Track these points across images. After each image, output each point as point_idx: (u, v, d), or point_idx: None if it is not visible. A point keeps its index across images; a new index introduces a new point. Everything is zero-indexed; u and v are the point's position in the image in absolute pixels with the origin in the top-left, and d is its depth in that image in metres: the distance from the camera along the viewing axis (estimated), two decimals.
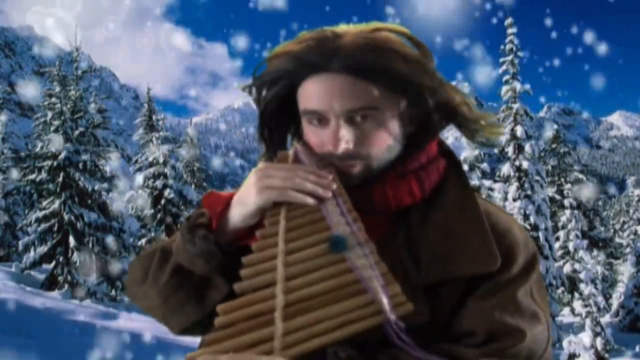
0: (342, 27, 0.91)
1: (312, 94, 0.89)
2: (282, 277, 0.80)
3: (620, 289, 24.00)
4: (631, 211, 29.42)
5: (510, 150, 16.53)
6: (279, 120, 0.99)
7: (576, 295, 16.56)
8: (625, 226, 29.59)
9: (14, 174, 18.73)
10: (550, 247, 16.03)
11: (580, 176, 24.88)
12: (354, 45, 0.86)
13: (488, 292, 0.87)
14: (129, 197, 19.31)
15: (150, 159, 19.53)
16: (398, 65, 0.87)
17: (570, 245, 17.87)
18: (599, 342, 15.38)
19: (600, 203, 33.95)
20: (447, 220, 0.90)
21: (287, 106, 0.97)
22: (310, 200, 0.85)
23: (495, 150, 17.41)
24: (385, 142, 0.90)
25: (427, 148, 0.96)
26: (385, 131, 0.90)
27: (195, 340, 1.05)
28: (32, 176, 16.12)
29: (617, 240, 30.56)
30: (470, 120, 0.94)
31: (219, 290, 0.92)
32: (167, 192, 19.03)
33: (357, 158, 0.89)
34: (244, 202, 0.89)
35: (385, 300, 0.80)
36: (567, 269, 17.25)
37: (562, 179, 23.72)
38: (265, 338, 0.75)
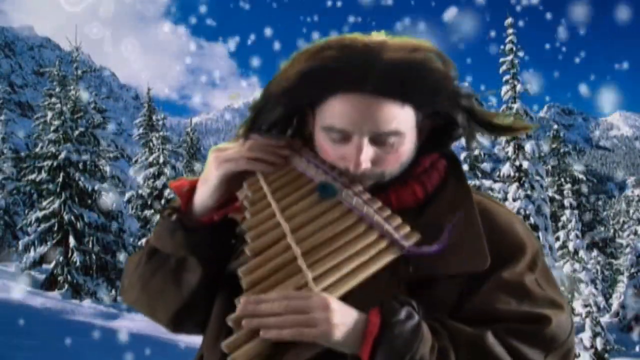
0: (376, 39, 0.86)
1: (340, 112, 0.86)
2: (289, 229, 0.82)
3: (620, 289, 24.00)
4: (631, 211, 29.38)
5: (510, 150, 16.51)
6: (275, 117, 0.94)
7: (576, 295, 16.54)
8: (625, 226, 29.53)
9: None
10: (550, 247, 16.02)
11: (581, 176, 24.88)
12: (394, 66, 0.83)
13: (500, 288, 0.87)
14: (129, 197, 19.31)
15: (150, 159, 19.52)
16: (436, 92, 0.86)
17: (570, 245, 17.86)
18: (598, 342, 15.38)
19: (600, 203, 33.92)
20: (440, 219, 0.90)
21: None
22: (264, 167, 0.90)
23: (496, 150, 17.40)
24: (399, 161, 0.91)
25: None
26: (404, 153, 0.91)
27: (196, 341, 1.06)
28: (32, 176, 16.12)
29: (617, 240, 30.50)
30: (497, 128, 0.94)
31: (194, 273, 0.96)
32: (167, 192, 19.02)
33: (371, 178, 0.90)
34: (207, 179, 0.94)
35: (394, 232, 0.82)
36: (567, 269, 17.23)
37: (562, 179, 23.71)
38: (298, 286, 0.77)
